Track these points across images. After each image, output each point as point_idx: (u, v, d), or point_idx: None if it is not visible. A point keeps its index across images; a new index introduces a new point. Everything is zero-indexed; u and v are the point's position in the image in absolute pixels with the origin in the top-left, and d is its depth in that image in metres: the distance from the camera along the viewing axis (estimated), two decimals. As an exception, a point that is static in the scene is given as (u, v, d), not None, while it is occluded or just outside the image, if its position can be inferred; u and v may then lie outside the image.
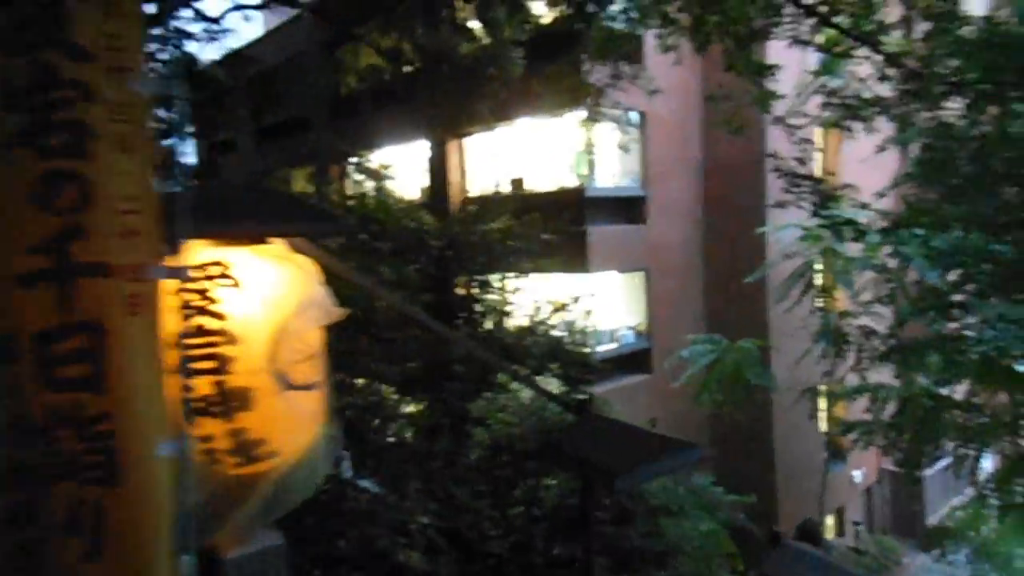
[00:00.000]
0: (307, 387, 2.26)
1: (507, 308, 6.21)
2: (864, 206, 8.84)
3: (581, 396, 4.58)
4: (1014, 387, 10.32)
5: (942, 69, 5.83)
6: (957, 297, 9.29)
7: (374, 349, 3.98)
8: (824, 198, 6.94)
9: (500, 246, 5.71)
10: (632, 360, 12.14)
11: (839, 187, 9.13)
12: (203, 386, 1.82)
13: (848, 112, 6.90)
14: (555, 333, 6.28)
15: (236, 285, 1.86)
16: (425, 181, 12.49)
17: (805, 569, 2.84)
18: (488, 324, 5.23)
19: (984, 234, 8.52)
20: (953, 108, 6.70)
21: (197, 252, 1.81)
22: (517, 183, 13.13)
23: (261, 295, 1.95)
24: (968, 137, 6.98)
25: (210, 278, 1.83)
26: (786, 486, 12.56)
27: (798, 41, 6.36)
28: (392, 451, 3.73)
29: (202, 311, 1.82)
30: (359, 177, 10.36)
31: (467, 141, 14.48)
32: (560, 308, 6.38)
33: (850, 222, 7.01)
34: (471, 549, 3.78)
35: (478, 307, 5.55)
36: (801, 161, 6.82)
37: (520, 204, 12.80)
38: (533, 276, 8.83)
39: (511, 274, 7.08)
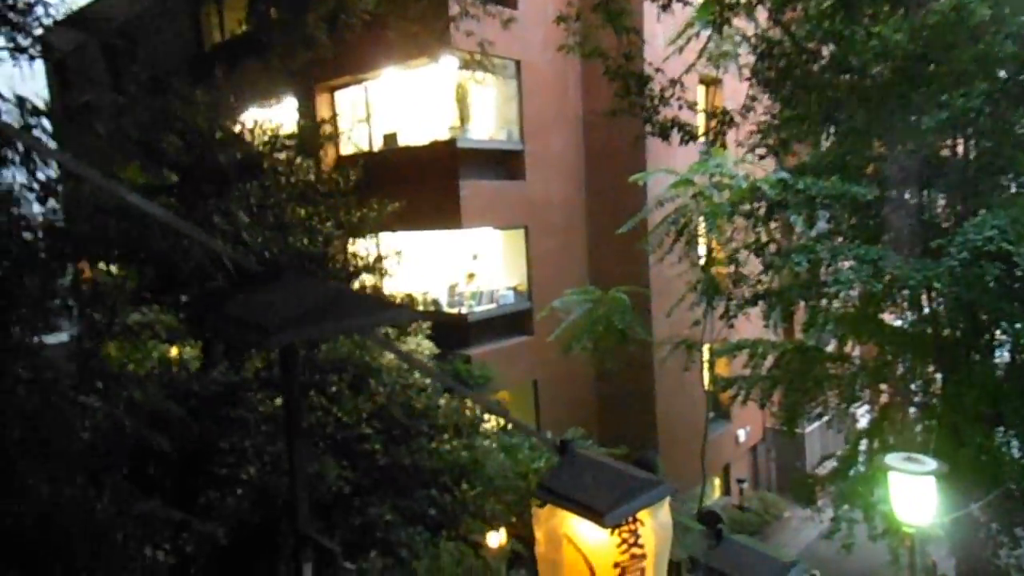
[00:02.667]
0: None
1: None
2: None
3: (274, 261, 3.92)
4: (882, 338, 10.73)
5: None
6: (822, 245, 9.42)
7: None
8: (658, 100, 6.70)
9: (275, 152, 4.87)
10: (513, 321, 11.79)
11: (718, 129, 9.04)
12: None
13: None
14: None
15: None
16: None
17: (585, 474, 2.44)
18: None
19: (843, 178, 8.65)
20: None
21: None
22: (389, 138, 12.45)
23: None
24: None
25: None
26: (670, 445, 12.63)
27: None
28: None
29: None
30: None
31: (337, 97, 13.62)
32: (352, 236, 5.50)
33: (677, 123, 6.82)
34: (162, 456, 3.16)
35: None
36: (628, 57, 6.54)
37: (392, 158, 12.18)
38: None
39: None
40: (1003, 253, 6.97)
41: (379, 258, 5.65)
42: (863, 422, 13.55)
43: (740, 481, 14.73)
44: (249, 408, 3.61)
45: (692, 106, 8.08)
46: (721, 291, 9.76)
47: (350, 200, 5.51)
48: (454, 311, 11.40)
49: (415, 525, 3.46)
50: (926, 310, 9.97)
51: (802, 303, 10.57)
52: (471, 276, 12.42)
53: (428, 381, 4.42)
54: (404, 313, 2.22)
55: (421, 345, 8.81)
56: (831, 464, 11.43)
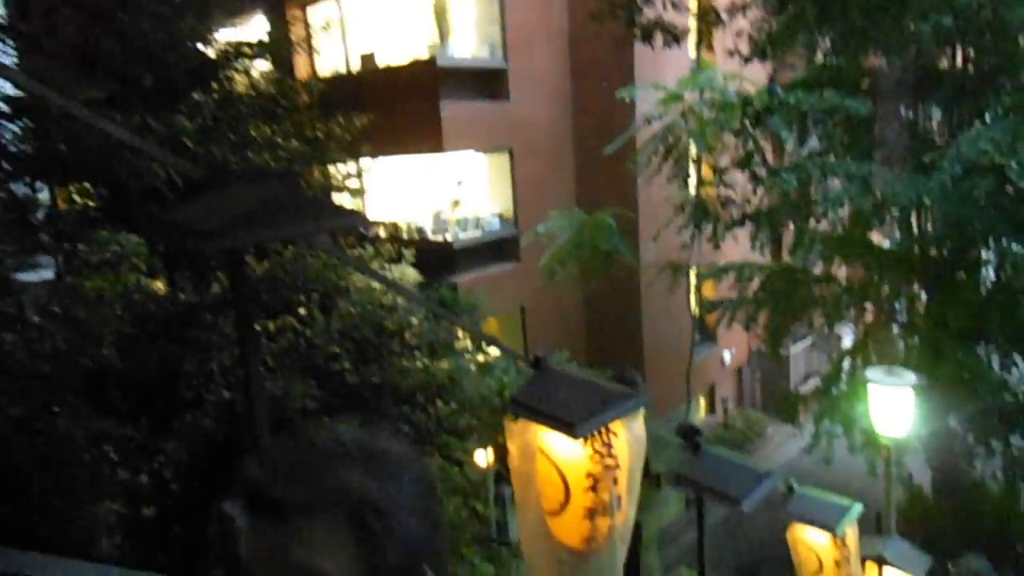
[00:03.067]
0: None
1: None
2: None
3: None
4: (869, 258, 10.72)
5: None
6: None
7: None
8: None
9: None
10: (499, 248, 11.65)
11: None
12: None
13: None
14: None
15: None
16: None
17: (558, 388, 2.39)
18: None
19: (839, 91, 8.37)
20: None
21: None
22: (367, 59, 11.89)
23: None
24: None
25: None
26: (656, 367, 12.80)
27: None
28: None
29: None
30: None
31: (310, 13, 12.90)
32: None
33: (661, 25, 6.51)
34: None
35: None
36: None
37: (370, 80, 11.67)
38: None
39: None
40: (996, 167, 6.84)
41: (351, 176, 5.33)
42: (847, 342, 13.77)
43: (724, 401, 15.07)
44: (211, 329, 3.49)
45: (677, 6, 7.65)
46: (709, 213, 9.61)
47: (315, 115, 5.18)
48: (439, 239, 11.23)
49: (387, 442, 3.44)
50: (915, 230, 9.91)
51: (790, 224, 10.49)
52: (456, 203, 12.17)
53: (400, 301, 4.31)
54: (358, 219, 2.08)
55: (406, 273, 8.71)
56: (814, 383, 11.64)
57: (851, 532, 4.56)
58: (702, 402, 15.16)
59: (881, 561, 4.89)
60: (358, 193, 5.83)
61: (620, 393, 2.58)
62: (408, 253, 8.45)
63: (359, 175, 5.97)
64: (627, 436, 2.60)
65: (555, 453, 2.53)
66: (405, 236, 11.55)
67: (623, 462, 2.55)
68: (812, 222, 9.49)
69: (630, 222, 11.18)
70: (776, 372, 16.02)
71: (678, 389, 12.24)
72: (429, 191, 12.17)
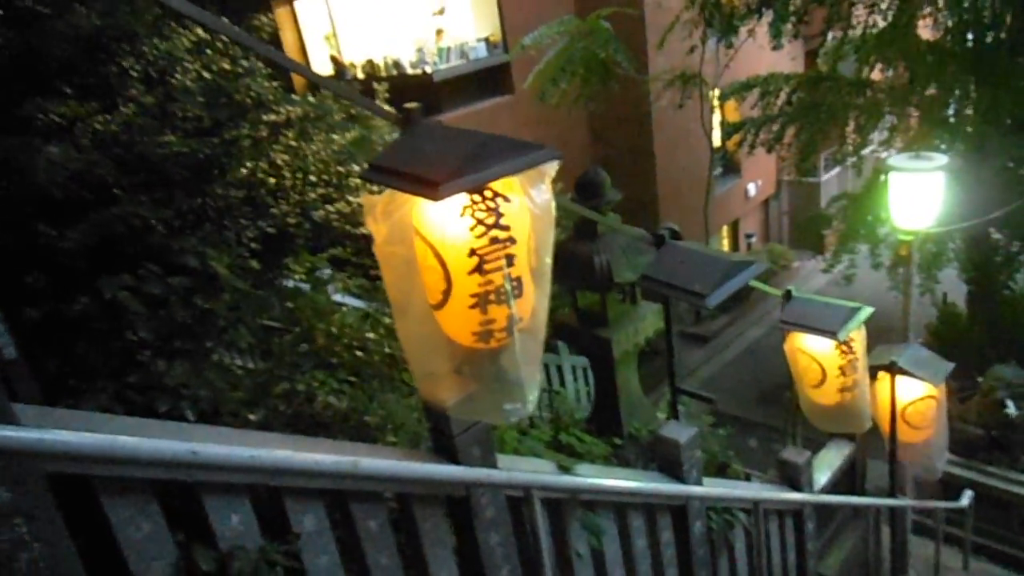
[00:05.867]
0: None
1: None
2: None
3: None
4: (916, 55, 9.37)
5: None
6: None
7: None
8: None
9: None
10: (488, 78, 10.54)
11: None
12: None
13: None
14: None
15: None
16: None
17: (427, 144, 1.74)
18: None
19: None
20: None
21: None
22: None
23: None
24: None
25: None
26: (672, 202, 12.00)
27: None
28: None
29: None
30: None
31: None
32: None
33: None
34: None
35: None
36: None
37: None
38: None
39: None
40: None
41: None
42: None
43: (748, 236, 14.28)
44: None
45: None
46: (723, 3, 8.21)
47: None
48: (417, 71, 10.17)
49: (211, 224, 2.80)
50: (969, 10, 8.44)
51: (817, 15, 9.11)
52: (440, 33, 10.96)
53: (246, 63, 3.50)
54: None
55: (380, 111, 7.90)
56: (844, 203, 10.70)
57: (858, 336, 4.00)
58: (724, 238, 14.41)
59: (893, 369, 4.36)
60: None
61: (514, 147, 1.89)
62: (380, 88, 7.55)
63: None
64: (526, 204, 1.94)
65: (430, 231, 1.91)
66: (383, 73, 10.52)
67: (521, 236, 1.92)
68: (845, 8, 8.10)
69: (634, 26, 9.76)
70: (805, 203, 15.00)
71: (697, 224, 11.51)
72: (409, 23, 10.92)
